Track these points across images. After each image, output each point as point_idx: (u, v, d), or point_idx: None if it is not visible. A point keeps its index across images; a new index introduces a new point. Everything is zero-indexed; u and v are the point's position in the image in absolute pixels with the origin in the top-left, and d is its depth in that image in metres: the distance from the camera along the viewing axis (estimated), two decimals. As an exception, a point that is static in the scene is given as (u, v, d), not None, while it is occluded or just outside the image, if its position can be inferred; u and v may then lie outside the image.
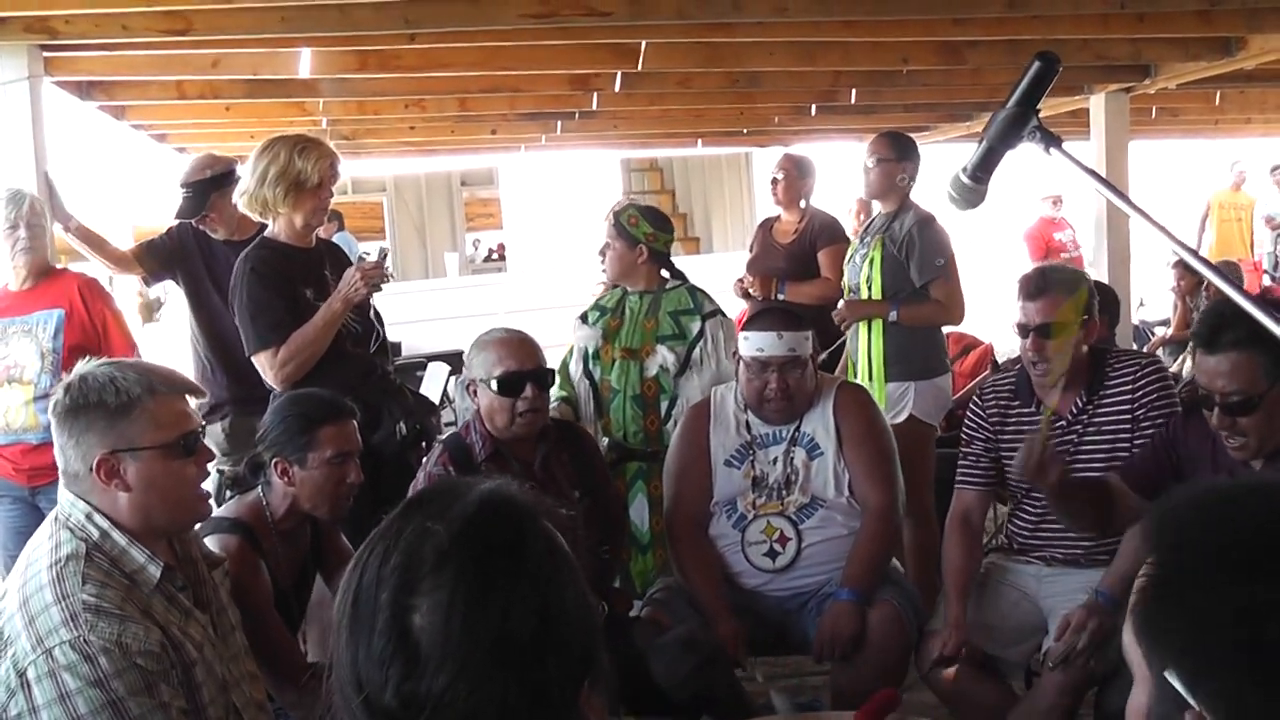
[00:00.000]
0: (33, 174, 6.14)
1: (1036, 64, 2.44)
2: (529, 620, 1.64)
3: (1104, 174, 9.18)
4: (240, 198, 5.19)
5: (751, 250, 7.96)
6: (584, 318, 5.82)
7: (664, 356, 5.56)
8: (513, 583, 1.66)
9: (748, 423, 4.83)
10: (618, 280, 5.82)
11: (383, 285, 5.00)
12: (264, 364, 4.97)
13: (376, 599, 1.64)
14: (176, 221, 6.48)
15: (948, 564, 4.57)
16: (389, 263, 4.97)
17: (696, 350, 5.58)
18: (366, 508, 4.39)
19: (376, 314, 5.19)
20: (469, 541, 1.66)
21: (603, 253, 5.78)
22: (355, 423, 4.21)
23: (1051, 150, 2.40)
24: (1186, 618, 1.47)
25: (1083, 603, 4.11)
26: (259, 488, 4.12)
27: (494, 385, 4.50)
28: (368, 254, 19.25)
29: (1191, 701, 1.43)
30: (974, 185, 2.59)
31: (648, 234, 5.74)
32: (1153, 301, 13.46)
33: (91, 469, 2.91)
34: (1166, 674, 1.47)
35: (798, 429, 4.76)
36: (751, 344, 4.74)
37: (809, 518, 4.63)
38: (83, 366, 3.02)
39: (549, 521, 1.76)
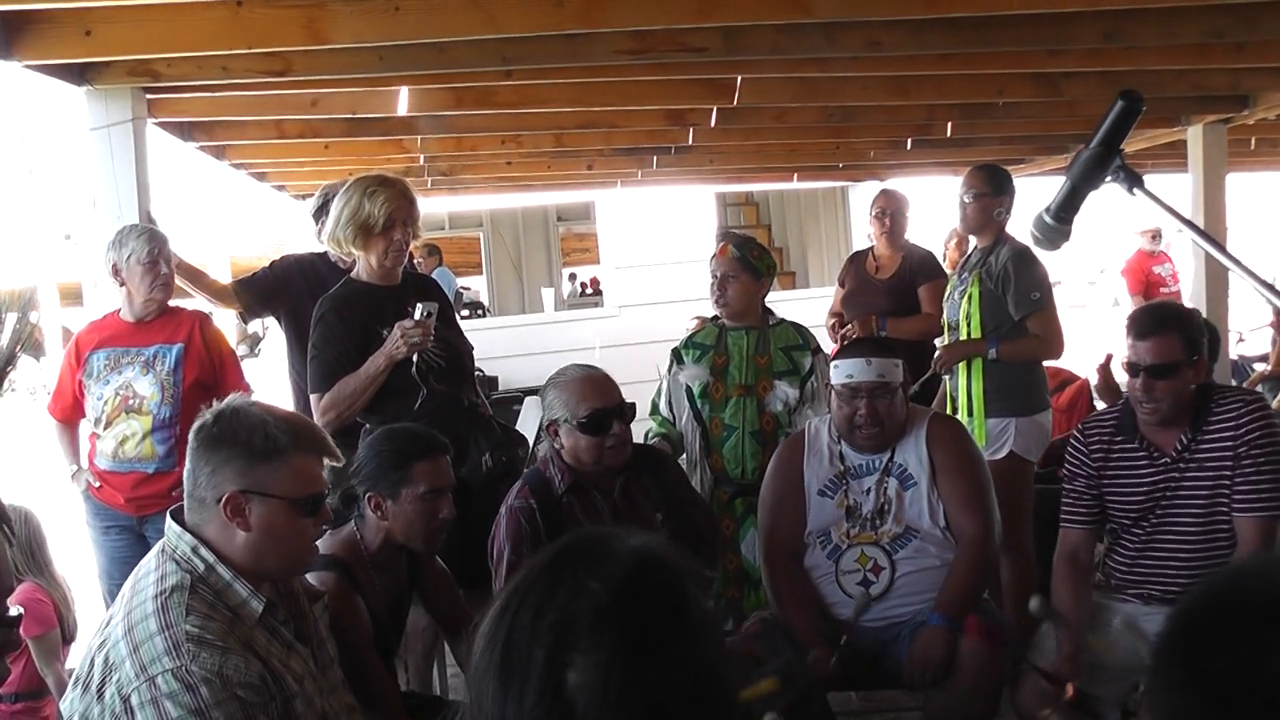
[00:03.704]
0: (136, 213, 6.23)
1: (1120, 103, 2.42)
2: (685, 684, 1.63)
3: (1202, 207, 9.10)
4: (323, 237, 5.27)
5: (843, 285, 7.94)
6: (678, 356, 5.80)
7: (785, 392, 5.57)
8: (672, 645, 1.64)
9: (841, 453, 4.84)
10: (738, 315, 5.77)
11: (428, 342, 4.99)
12: (313, 407, 5.07)
13: (530, 654, 1.62)
14: (279, 256, 6.58)
15: (1058, 604, 4.52)
16: (434, 319, 4.96)
17: (809, 385, 5.59)
18: (456, 540, 4.42)
19: (445, 355, 5.16)
20: (630, 601, 1.64)
21: (721, 287, 5.74)
22: (449, 458, 4.24)
23: (1135, 190, 2.38)
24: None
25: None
26: (352, 521, 4.15)
27: (580, 425, 4.52)
28: (466, 288, 19.43)
29: None
30: (1058, 226, 2.58)
31: (770, 267, 5.77)
32: (1252, 337, 13.28)
33: (219, 501, 2.97)
34: None
35: (890, 459, 4.77)
36: (841, 371, 4.76)
37: (903, 548, 4.64)
38: (237, 401, 3.09)
39: (696, 583, 1.75)
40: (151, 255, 5.86)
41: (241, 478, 2.98)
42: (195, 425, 3.07)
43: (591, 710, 1.58)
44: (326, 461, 3.19)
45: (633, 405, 4.76)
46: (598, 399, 4.54)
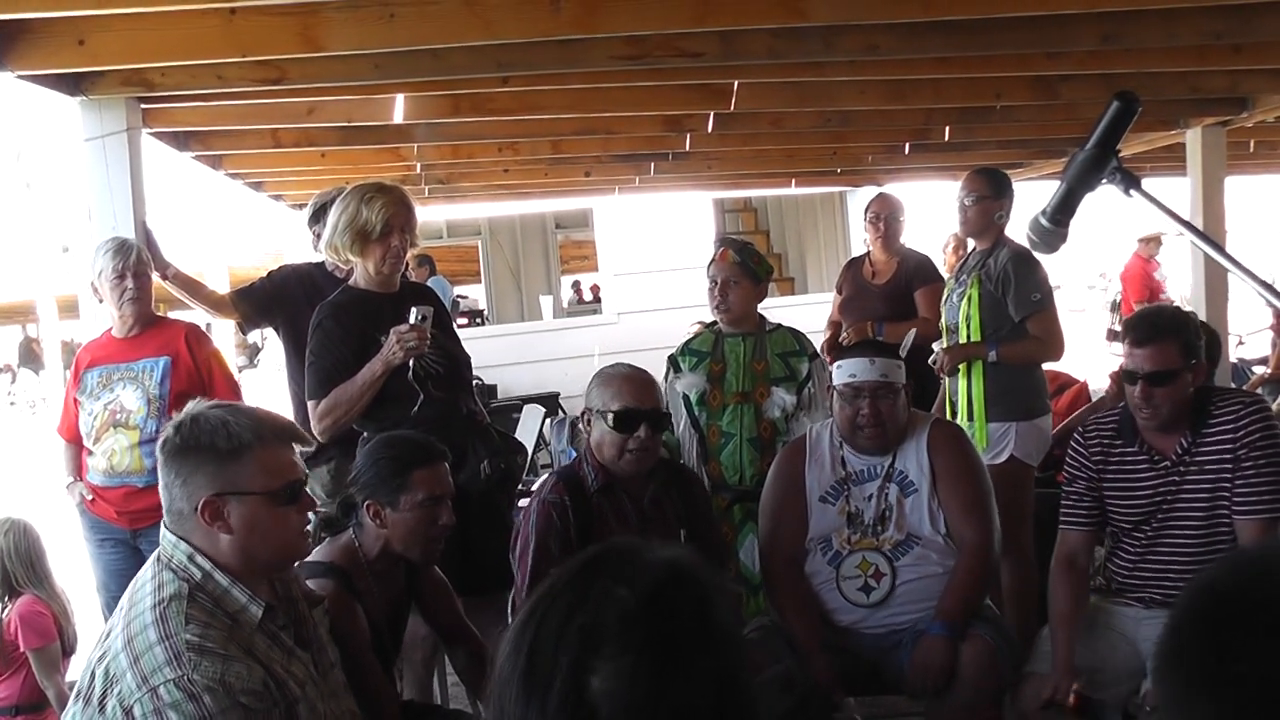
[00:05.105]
0: (131, 224, 6.20)
1: (1115, 104, 2.41)
2: (708, 693, 1.64)
3: (1200, 209, 9.08)
4: (321, 245, 5.25)
5: (840, 291, 7.94)
6: (675, 364, 5.78)
7: (782, 399, 5.55)
8: (697, 654, 1.64)
9: (843, 459, 4.83)
10: (738, 321, 5.75)
11: (424, 347, 4.95)
12: (310, 413, 5.05)
13: (555, 658, 1.62)
14: (277, 266, 6.55)
15: (1054, 607, 4.52)
16: (429, 323, 4.94)
17: (806, 391, 5.57)
18: (455, 547, 4.40)
19: (442, 361, 5.12)
20: (658, 608, 1.65)
21: (723, 292, 5.71)
22: (447, 465, 4.22)
23: (1132, 192, 2.37)
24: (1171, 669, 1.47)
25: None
26: (351, 529, 4.14)
27: (609, 419, 4.50)
28: (464, 297, 19.42)
29: None
30: (1054, 228, 2.57)
31: (768, 271, 5.76)
32: (1252, 340, 13.31)
33: (196, 509, 2.95)
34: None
35: (891, 465, 4.75)
36: (844, 371, 4.75)
37: (904, 554, 4.62)
38: (195, 407, 3.05)
39: (724, 599, 1.76)
40: (117, 270, 5.82)
41: (213, 482, 2.96)
42: (159, 441, 3.05)
43: (615, 717, 1.59)
44: (298, 448, 3.16)
45: (667, 415, 4.77)
46: (632, 398, 4.52)
